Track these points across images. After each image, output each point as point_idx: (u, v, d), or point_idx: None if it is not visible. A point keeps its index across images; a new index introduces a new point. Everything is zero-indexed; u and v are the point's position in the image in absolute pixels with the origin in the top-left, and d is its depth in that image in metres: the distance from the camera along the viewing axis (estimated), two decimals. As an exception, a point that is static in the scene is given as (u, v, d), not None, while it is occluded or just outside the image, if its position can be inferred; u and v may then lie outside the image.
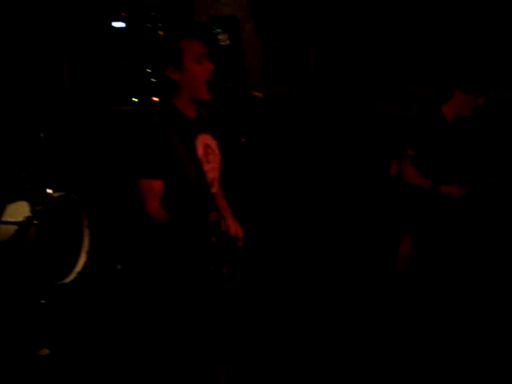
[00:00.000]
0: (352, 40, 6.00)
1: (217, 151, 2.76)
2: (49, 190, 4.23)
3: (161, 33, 5.57)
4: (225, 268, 2.57)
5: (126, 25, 5.60)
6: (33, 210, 4.13)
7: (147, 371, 2.86)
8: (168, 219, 2.53)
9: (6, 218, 4.23)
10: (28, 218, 4.16)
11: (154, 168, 2.53)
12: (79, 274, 4.51)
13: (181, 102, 2.63)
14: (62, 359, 3.59)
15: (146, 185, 2.54)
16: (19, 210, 4.24)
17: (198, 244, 2.47)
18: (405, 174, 3.60)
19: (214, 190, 2.73)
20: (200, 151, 2.64)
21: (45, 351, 3.63)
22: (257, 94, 2.65)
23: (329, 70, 6.14)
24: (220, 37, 5.84)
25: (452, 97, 3.71)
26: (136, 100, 5.43)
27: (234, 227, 2.66)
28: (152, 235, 2.61)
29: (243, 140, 4.89)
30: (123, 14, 5.58)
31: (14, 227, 4.18)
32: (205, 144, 2.68)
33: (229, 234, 2.47)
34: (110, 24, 5.59)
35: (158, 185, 2.55)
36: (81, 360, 3.59)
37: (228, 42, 5.91)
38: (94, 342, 3.76)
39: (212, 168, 2.70)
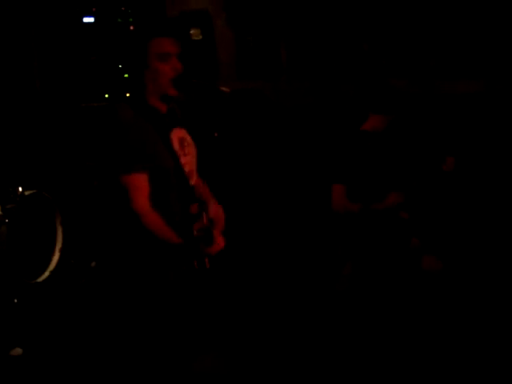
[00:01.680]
0: (323, 34, 6.02)
1: (192, 144, 2.78)
2: (20, 188, 4.20)
3: (132, 28, 5.57)
4: (207, 260, 2.58)
5: (96, 20, 5.55)
6: (3, 209, 4.12)
7: (124, 368, 2.85)
8: (153, 215, 2.53)
9: (-24, 217, 4.20)
10: (-1, 216, 4.14)
11: (136, 162, 2.53)
12: (53, 272, 4.50)
13: (152, 98, 2.65)
14: (34, 359, 3.57)
15: (131, 180, 2.53)
16: (-11, 209, 4.21)
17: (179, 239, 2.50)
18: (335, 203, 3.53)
19: (193, 182, 2.74)
20: (176, 144, 2.66)
21: (17, 351, 3.61)
22: (224, 89, 2.67)
23: (301, 64, 6.16)
24: (192, 32, 5.83)
25: (367, 120, 3.66)
26: (107, 96, 5.39)
27: (215, 211, 2.68)
28: (130, 232, 2.60)
29: (215, 135, 4.88)
30: (93, 9, 5.53)
31: (-15, 226, 4.15)
32: (180, 138, 2.71)
33: (210, 227, 2.50)
34: (81, 19, 5.54)
35: (142, 179, 2.54)
36: (53, 360, 3.56)
37: (200, 36, 5.90)
38: (67, 341, 3.75)
39: (189, 161, 2.71)
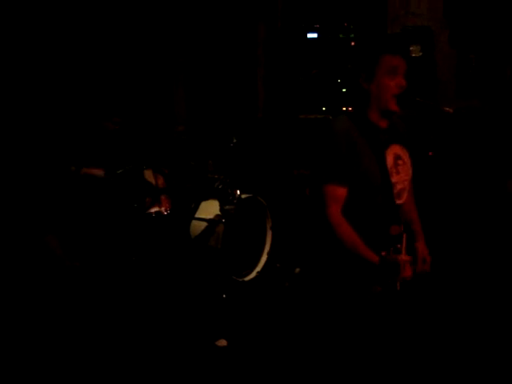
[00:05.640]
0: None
1: (408, 163, 2.75)
2: (238, 192, 4.45)
3: (353, 43, 5.66)
4: (398, 283, 2.56)
5: (319, 35, 5.75)
6: (222, 209, 4.40)
7: (315, 370, 2.91)
8: (346, 226, 2.57)
9: (199, 214, 4.56)
10: (217, 216, 4.43)
11: (339, 174, 2.59)
12: (259, 273, 4.71)
13: (372, 113, 2.68)
14: (237, 351, 3.76)
15: (330, 190, 2.60)
16: (210, 208, 4.54)
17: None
18: None
19: (401, 201, 2.72)
20: (390, 162, 2.65)
21: (222, 342, 3.82)
22: (447, 109, 2.60)
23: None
24: (412, 48, 5.77)
25: None
26: (324, 109, 5.53)
27: (420, 250, 2.66)
28: (329, 241, 2.66)
29: (430, 154, 4.78)
30: (317, 25, 5.73)
31: (205, 224, 4.49)
32: (395, 155, 2.69)
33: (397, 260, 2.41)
34: (305, 35, 5.77)
35: (341, 191, 2.60)
36: (254, 352, 3.73)
37: (420, 53, 5.83)
38: (266, 338, 3.89)
39: (401, 179, 2.69)
